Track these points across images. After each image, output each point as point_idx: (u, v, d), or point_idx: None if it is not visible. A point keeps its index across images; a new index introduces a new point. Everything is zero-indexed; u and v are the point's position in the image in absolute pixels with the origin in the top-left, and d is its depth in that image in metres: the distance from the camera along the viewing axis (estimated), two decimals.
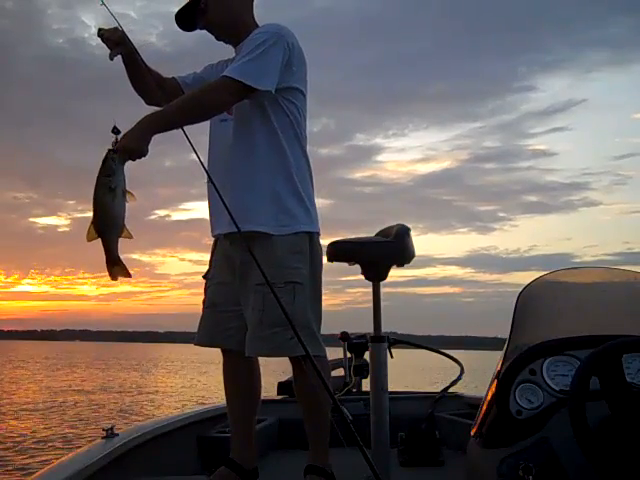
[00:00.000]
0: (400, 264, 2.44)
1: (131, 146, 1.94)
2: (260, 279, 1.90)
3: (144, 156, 1.97)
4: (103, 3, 2.17)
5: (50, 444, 8.42)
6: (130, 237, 1.99)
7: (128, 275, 2.02)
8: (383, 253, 2.41)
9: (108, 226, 1.96)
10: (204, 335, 2.26)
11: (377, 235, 2.52)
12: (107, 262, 1.99)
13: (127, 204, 1.97)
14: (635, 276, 1.75)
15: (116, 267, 2.00)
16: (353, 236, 2.52)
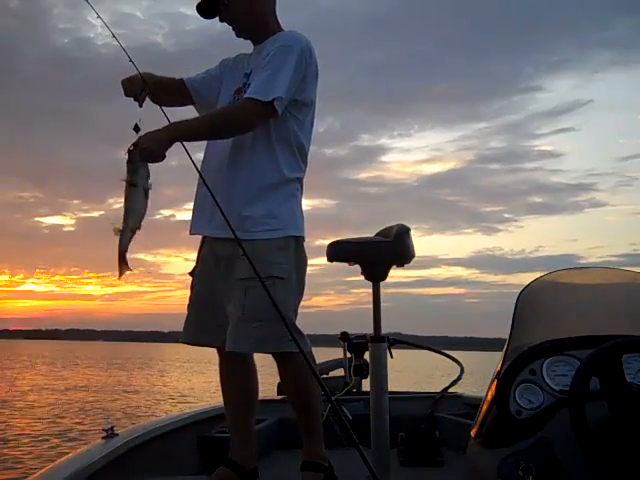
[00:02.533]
0: (400, 264, 2.43)
1: (151, 148, 2.00)
2: (242, 274, 1.99)
3: (161, 160, 2.03)
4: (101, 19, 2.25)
5: (50, 444, 8.42)
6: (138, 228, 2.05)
7: (127, 269, 2.08)
8: (383, 253, 2.40)
9: (124, 218, 2.03)
10: (191, 333, 2.25)
11: (377, 235, 2.52)
12: (118, 253, 2.06)
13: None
14: (635, 276, 1.75)
15: (122, 262, 2.06)
16: (358, 237, 2.52)
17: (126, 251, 2.05)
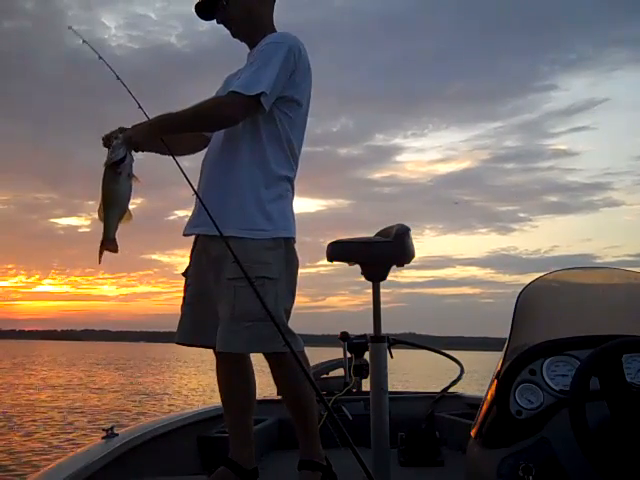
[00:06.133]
0: (400, 264, 2.44)
1: (137, 140, 2.06)
2: (232, 274, 1.99)
3: (147, 151, 2.09)
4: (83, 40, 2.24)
5: (50, 444, 8.42)
6: (130, 218, 2.07)
7: (115, 250, 2.08)
8: (382, 253, 2.41)
9: (109, 203, 2.04)
10: (185, 334, 2.25)
11: (377, 235, 2.52)
12: (102, 241, 2.07)
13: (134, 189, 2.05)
14: (635, 276, 1.75)
15: (107, 247, 2.07)
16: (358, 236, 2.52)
17: (114, 239, 2.07)
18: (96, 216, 2.08)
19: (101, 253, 2.09)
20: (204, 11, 2.31)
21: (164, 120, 2.10)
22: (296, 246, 2.20)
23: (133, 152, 2.07)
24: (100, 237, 2.07)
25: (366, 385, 3.77)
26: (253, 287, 1.87)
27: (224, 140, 2.18)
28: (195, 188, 2.21)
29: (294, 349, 1.86)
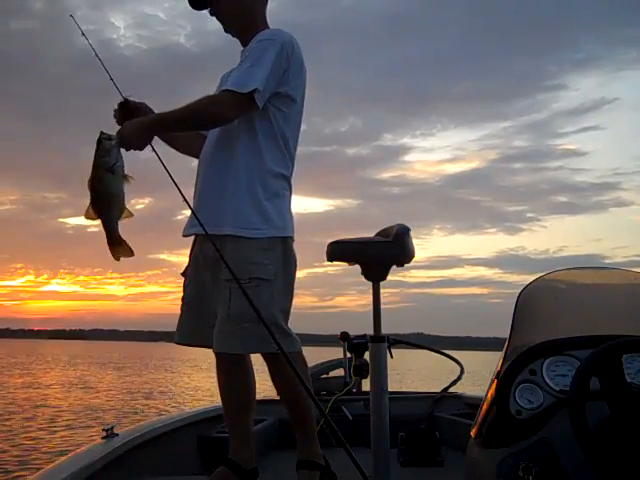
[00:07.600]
0: (400, 264, 2.44)
1: (130, 140, 2.03)
2: (227, 275, 1.97)
3: (140, 150, 2.05)
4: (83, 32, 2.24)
5: (50, 444, 8.42)
6: (131, 215, 2.04)
7: (131, 253, 2.06)
8: (382, 253, 2.41)
9: (108, 205, 2.01)
10: (185, 334, 2.25)
11: (377, 235, 2.53)
12: (109, 242, 2.04)
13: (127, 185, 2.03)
14: (635, 276, 1.75)
15: (119, 247, 2.05)
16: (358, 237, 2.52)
17: (121, 239, 2.04)
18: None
19: (116, 254, 2.05)
20: (197, 2, 2.31)
21: (157, 119, 2.11)
22: (296, 245, 2.19)
23: (136, 152, 2.05)
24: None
25: (366, 385, 3.77)
26: (242, 290, 1.87)
27: (220, 138, 2.18)
28: (195, 189, 2.21)
29: (289, 350, 1.86)
